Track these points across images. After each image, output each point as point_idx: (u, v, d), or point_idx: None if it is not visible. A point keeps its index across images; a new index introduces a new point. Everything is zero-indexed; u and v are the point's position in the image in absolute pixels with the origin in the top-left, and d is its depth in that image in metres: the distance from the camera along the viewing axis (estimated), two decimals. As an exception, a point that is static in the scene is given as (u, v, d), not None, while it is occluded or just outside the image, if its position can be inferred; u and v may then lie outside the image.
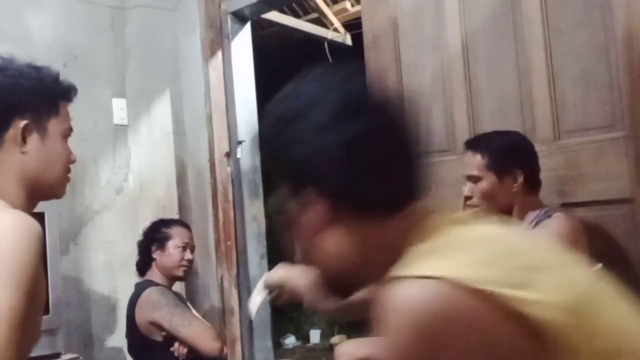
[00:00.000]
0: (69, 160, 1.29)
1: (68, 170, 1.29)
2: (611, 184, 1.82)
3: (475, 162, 1.72)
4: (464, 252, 0.71)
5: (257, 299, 1.50)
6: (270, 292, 1.46)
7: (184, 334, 2.25)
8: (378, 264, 0.76)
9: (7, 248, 1.01)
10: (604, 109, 1.84)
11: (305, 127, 0.76)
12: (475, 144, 1.77)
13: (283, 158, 0.79)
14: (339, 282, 0.82)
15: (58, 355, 2.36)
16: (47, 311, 2.26)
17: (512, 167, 1.70)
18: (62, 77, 1.27)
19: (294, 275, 1.41)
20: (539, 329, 0.65)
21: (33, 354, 2.07)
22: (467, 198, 1.75)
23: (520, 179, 1.70)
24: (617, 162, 1.80)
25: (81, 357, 2.38)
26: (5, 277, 0.98)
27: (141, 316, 2.31)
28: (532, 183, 1.73)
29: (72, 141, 2.88)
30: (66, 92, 1.27)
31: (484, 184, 1.72)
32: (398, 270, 0.70)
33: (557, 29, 1.94)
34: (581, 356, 0.66)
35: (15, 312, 0.97)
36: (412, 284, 0.67)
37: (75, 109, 2.90)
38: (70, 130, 1.29)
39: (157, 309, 2.29)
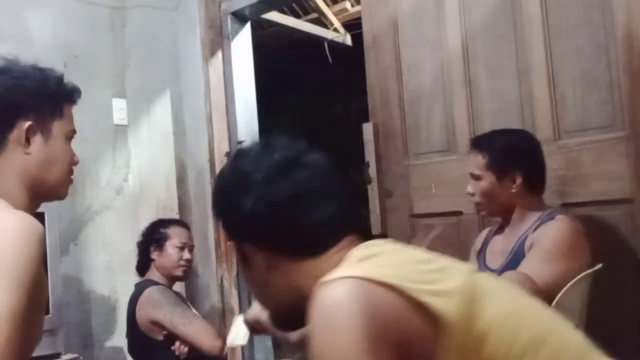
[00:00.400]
0: (72, 161, 1.29)
1: (71, 171, 1.29)
2: (611, 184, 1.82)
3: (477, 161, 1.74)
4: (373, 260, 0.86)
5: (239, 334, 1.62)
6: (249, 328, 1.59)
7: (184, 333, 2.25)
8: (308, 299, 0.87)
9: (9, 248, 1.01)
10: (604, 109, 1.84)
11: (238, 196, 0.92)
12: (478, 142, 1.78)
13: (225, 220, 0.97)
14: (285, 317, 0.96)
15: (58, 355, 2.36)
16: (47, 311, 2.26)
17: (510, 168, 1.70)
18: (66, 79, 1.27)
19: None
20: (437, 316, 0.78)
21: (33, 354, 2.07)
22: (470, 194, 1.77)
23: (519, 180, 1.69)
24: (617, 162, 1.80)
25: (81, 357, 2.38)
26: (6, 278, 0.98)
27: (142, 315, 2.31)
28: (533, 184, 1.72)
29: (72, 141, 2.88)
30: (70, 94, 1.28)
31: (483, 184, 1.73)
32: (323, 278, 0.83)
33: (557, 29, 1.94)
34: (469, 338, 0.79)
35: (15, 313, 0.97)
36: (327, 285, 0.80)
37: (75, 109, 2.90)
38: (74, 132, 1.29)
39: (158, 308, 2.29)
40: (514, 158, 1.71)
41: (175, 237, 2.45)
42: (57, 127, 1.25)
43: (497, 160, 1.70)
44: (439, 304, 0.79)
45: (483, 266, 1.77)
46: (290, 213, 0.90)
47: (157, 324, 2.29)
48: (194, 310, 2.50)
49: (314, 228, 0.91)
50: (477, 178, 1.74)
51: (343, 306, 0.77)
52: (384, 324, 0.77)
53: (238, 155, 0.99)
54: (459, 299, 0.80)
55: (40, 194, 1.24)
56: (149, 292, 2.33)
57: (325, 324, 0.78)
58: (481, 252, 1.83)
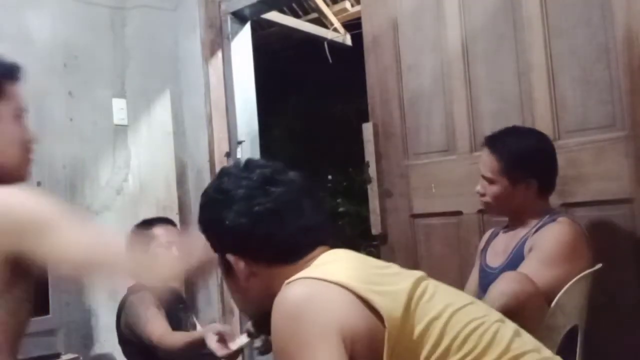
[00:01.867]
0: (27, 139, 1.24)
1: (28, 150, 1.25)
2: (611, 184, 1.82)
3: (490, 163, 1.69)
4: (332, 265, 0.97)
5: (241, 341, 1.73)
6: (250, 339, 1.68)
7: (145, 329, 2.21)
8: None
9: None
10: (604, 109, 1.84)
11: (220, 210, 1.03)
12: (493, 143, 1.72)
13: (209, 234, 1.07)
14: (265, 320, 1.00)
15: (58, 355, 2.36)
16: (47, 311, 2.26)
17: (526, 175, 1.66)
18: (2, 57, 1.23)
19: None
20: (379, 312, 0.89)
21: (33, 354, 2.09)
22: (480, 194, 1.74)
23: (534, 187, 1.67)
24: (617, 162, 1.80)
25: (81, 357, 2.38)
26: None
27: (125, 320, 2.31)
28: (546, 189, 1.70)
29: (72, 141, 2.87)
30: (10, 72, 1.22)
31: (495, 188, 1.69)
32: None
33: (557, 29, 1.94)
34: (409, 337, 0.90)
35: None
36: (285, 288, 0.93)
37: (75, 109, 2.90)
38: (22, 109, 1.24)
39: (134, 318, 2.27)
40: (531, 165, 1.67)
41: (160, 236, 2.38)
42: (4, 108, 1.20)
43: (513, 166, 1.66)
44: (381, 302, 0.90)
45: (484, 265, 1.77)
46: (267, 224, 1.00)
47: (128, 327, 2.28)
48: (195, 321, 2.45)
49: (289, 238, 1.02)
50: (490, 181, 1.70)
51: (299, 302, 0.90)
52: (335, 316, 0.88)
53: (221, 175, 1.10)
54: (401, 298, 0.91)
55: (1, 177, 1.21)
56: (130, 303, 2.31)
57: (284, 318, 0.90)
58: (483, 251, 1.82)
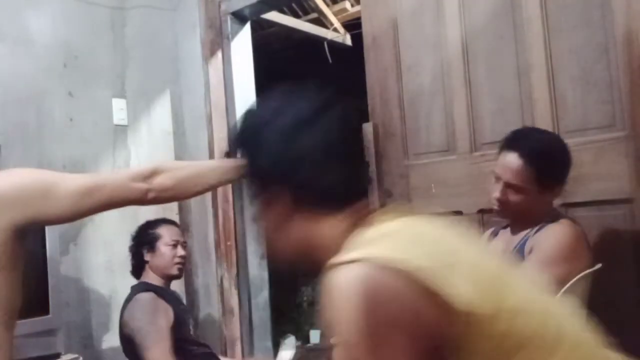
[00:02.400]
0: None
1: None
2: (611, 184, 1.82)
3: (518, 169, 1.58)
4: (392, 239, 0.83)
5: (287, 354, 1.62)
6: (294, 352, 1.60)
7: (143, 354, 2.23)
8: (330, 250, 0.87)
9: None
10: (604, 109, 1.84)
11: (270, 133, 0.91)
12: (520, 146, 1.61)
13: (251, 160, 0.96)
14: (293, 265, 0.97)
15: (58, 355, 2.36)
16: (47, 311, 2.26)
17: (556, 184, 1.62)
18: None
19: None
20: (451, 304, 0.75)
21: (33, 354, 2.09)
22: (500, 201, 1.63)
23: (558, 193, 1.63)
24: (617, 162, 1.80)
25: (81, 358, 2.38)
26: None
27: (125, 319, 2.31)
28: (560, 193, 1.66)
29: (72, 141, 2.88)
30: None
31: (522, 197, 1.60)
32: (334, 258, 0.82)
33: (557, 29, 1.94)
34: (485, 323, 0.77)
35: None
36: (343, 269, 0.79)
37: (75, 109, 2.90)
38: None
39: (133, 318, 2.28)
40: (561, 170, 1.62)
41: (166, 235, 2.44)
42: None
43: (546, 174, 1.58)
44: (462, 295, 0.75)
45: None
46: (314, 163, 0.90)
47: (128, 327, 2.28)
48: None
49: (334, 182, 0.91)
50: (517, 189, 1.60)
51: (356, 296, 0.76)
52: (406, 313, 0.75)
53: (272, 94, 0.99)
54: (483, 287, 0.78)
55: None
56: (135, 300, 2.32)
57: (339, 310, 0.78)
58: None
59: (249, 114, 1.01)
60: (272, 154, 0.91)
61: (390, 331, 0.75)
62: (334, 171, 0.91)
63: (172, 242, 2.44)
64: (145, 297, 2.32)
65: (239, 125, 1.00)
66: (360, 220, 0.90)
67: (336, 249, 0.86)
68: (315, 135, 0.90)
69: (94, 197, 1.26)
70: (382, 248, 0.79)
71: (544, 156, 1.60)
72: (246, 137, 0.98)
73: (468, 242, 0.90)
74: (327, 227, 0.91)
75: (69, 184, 1.23)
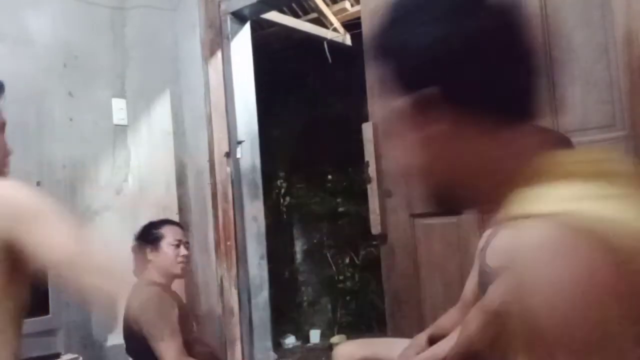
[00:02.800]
0: (5, 153, 1.29)
1: (4, 164, 1.29)
2: (611, 184, 1.81)
3: None
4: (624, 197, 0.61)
5: None
6: None
7: (155, 347, 2.23)
8: (495, 176, 0.70)
9: None
10: (604, 109, 1.85)
11: (422, 20, 0.70)
12: None
13: (396, 56, 0.73)
14: (451, 193, 0.75)
15: (58, 355, 2.36)
16: (47, 311, 2.26)
17: None
18: None
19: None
20: None
21: (33, 354, 2.09)
22: None
23: None
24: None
25: (81, 358, 2.38)
26: None
27: (134, 314, 2.31)
28: None
29: (72, 141, 2.87)
30: None
31: None
32: (530, 202, 0.62)
33: (557, 29, 1.94)
34: None
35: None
36: (558, 228, 0.58)
37: (75, 109, 2.90)
38: (4, 124, 1.29)
39: (145, 311, 2.28)
40: None
41: (169, 235, 2.46)
42: None
43: None
44: None
45: (483, 265, 1.77)
46: (494, 55, 0.68)
47: (138, 324, 2.29)
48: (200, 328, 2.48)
49: (520, 84, 0.70)
50: None
51: (593, 277, 0.56)
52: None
53: None
54: None
55: None
56: (144, 293, 2.32)
57: (558, 287, 0.56)
58: (483, 250, 1.82)
59: (390, 6, 0.77)
60: (425, 46, 0.69)
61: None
62: (510, 73, 0.69)
63: (176, 242, 2.45)
64: (153, 290, 2.34)
65: (385, 20, 0.77)
66: (546, 144, 0.69)
67: (510, 172, 0.68)
68: (485, 22, 0.69)
69: (60, 270, 1.18)
70: (610, 208, 0.59)
71: None
72: (390, 29, 0.75)
73: None
74: (498, 143, 0.69)
75: (55, 234, 1.15)
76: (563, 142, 1.13)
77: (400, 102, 0.73)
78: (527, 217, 0.60)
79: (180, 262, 2.45)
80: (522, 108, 0.70)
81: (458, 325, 1.68)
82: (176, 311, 2.32)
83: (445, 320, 1.78)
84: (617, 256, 0.56)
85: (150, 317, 2.27)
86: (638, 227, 0.57)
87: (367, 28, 2.45)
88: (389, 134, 0.77)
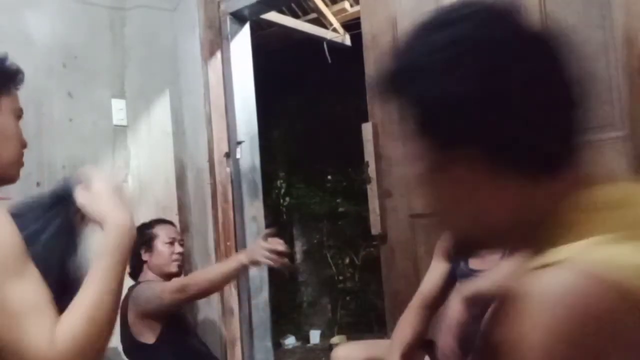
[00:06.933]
0: (22, 142, 1.27)
1: (21, 153, 1.27)
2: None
3: None
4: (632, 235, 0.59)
5: None
6: None
7: (158, 290, 2.28)
8: (525, 228, 0.67)
9: None
10: (603, 109, 1.84)
11: (452, 78, 0.64)
12: None
13: (426, 112, 0.67)
14: (474, 242, 0.74)
15: (58, 356, 2.35)
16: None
17: None
18: (9, 60, 1.26)
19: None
20: None
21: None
22: None
23: None
24: (616, 161, 1.80)
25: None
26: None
27: (131, 316, 2.32)
28: None
29: (71, 141, 2.88)
30: (15, 75, 1.26)
31: None
32: (551, 254, 0.60)
33: (556, 29, 1.93)
34: None
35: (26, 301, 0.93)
36: (563, 275, 0.56)
37: (74, 110, 2.90)
38: (21, 111, 1.28)
39: (140, 303, 2.30)
40: None
41: (162, 234, 2.46)
42: (5, 103, 1.23)
43: None
44: None
45: (465, 268, 1.76)
46: (531, 108, 0.64)
47: (139, 316, 2.29)
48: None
49: (560, 133, 0.67)
50: None
51: (558, 310, 0.55)
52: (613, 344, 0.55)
53: (450, 19, 0.67)
54: None
55: None
56: (135, 293, 2.33)
57: (529, 326, 0.57)
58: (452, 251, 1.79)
59: (406, 46, 0.69)
60: (453, 97, 0.63)
61: None
62: (549, 121, 0.65)
63: (169, 240, 2.46)
64: (141, 286, 2.35)
65: (401, 64, 0.69)
66: (578, 193, 0.66)
67: (538, 224, 0.65)
68: (521, 70, 0.63)
69: None
70: (624, 259, 0.57)
71: None
72: (422, 78, 0.66)
73: None
74: (529, 194, 0.66)
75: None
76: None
77: (423, 155, 0.69)
78: (547, 265, 0.59)
79: (175, 260, 2.45)
80: (560, 159, 0.68)
81: (419, 327, 1.66)
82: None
83: (404, 329, 1.75)
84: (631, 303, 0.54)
85: (142, 302, 2.29)
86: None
87: (366, 28, 2.45)
88: (413, 178, 0.73)
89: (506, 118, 0.64)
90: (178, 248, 2.47)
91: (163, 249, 2.44)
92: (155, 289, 2.29)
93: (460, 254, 0.74)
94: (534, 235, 0.66)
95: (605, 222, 0.61)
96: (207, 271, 2.46)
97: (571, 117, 0.68)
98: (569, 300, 0.55)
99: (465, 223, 0.72)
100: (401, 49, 0.69)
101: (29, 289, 0.93)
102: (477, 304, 1.51)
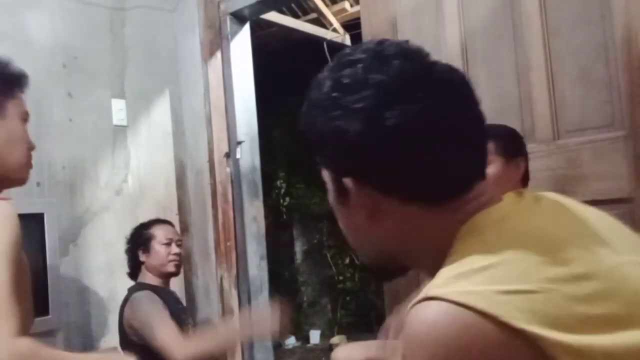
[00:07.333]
0: (30, 145, 1.28)
1: (30, 155, 1.28)
2: (611, 184, 1.82)
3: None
4: (507, 266, 0.62)
5: None
6: None
7: (154, 335, 2.19)
8: (422, 252, 0.73)
9: None
10: (603, 109, 1.84)
11: (340, 116, 0.69)
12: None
13: (323, 146, 0.73)
14: (383, 265, 0.79)
15: (58, 356, 2.35)
16: (46, 312, 2.26)
17: (517, 154, 1.68)
18: (14, 64, 1.27)
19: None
20: None
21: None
22: None
23: (522, 167, 1.68)
24: (617, 161, 1.80)
25: (81, 358, 2.38)
26: None
27: (126, 319, 2.32)
28: (527, 176, 1.71)
29: (71, 142, 2.88)
30: (20, 79, 1.28)
31: (492, 169, 1.68)
32: (428, 286, 0.64)
33: (556, 29, 1.94)
34: None
35: (4, 284, 1.01)
36: (435, 308, 0.60)
37: (74, 110, 2.90)
38: (28, 115, 1.28)
39: (136, 316, 2.28)
40: (519, 144, 1.71)
41: (159, 235, 2.46)
42: (12, 107, 1.24)
43: (507, 145, 1.66)
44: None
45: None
46: (409, 145, 0.68)
47: (132, 328, 2.28)
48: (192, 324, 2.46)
49: (437, 167, 0.69)
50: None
51: (452, 348, 0.58)
52: None
53: (342, 62, 0.73)
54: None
55: (1, 178, 1.23)
56: (133, 299, 2.32)
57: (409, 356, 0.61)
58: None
59: (313, 89, 0.75)
60: (348, 136, 0.69)
61: None
62: (438, 157, 0.69)
63: (166, 241, 2.45)
64: (142, 294, 2.33)
65: (305, 103, 0.76)
66: (467, 218, 0.69)
67: (434, 249, 0.70)
68: (410, 109, 0.67)
69: None
70: (488, 288, 0.59)
71: (502, 133, 1.67)
72: (320, 117, 0.72)
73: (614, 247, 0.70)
74: (424, 222, 0.71)
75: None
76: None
77: (329, 184, 0.76)
78: (425, 298, 0.62)
79: (172, 261, 2.44)
80: (452, 189, 0.71)
81: None
82: (166, 308, 2.30)
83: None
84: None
85: (141, 321, 2.26)
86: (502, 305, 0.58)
87: (366, 28, 2.45)
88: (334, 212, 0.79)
89: (384, 154, 0.68)
90: (175, 249, 2.46)
91: (160, 250, 2.44)
92: (152, 332, 2.20)
93: (376, 277, 0.80)
94: (433, 262, 0.69)
95: (469, 249, 0.65)
96: (213, 341, 2.35)
97: (456, 151, 0.70)
98: (438, 335, 0.58)
99: (368, 249, 0.78)
100: (310, 89, 0.76)
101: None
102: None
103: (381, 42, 0.74)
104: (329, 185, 0.77)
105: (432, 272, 0.68)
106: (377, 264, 0.79)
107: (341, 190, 0.74)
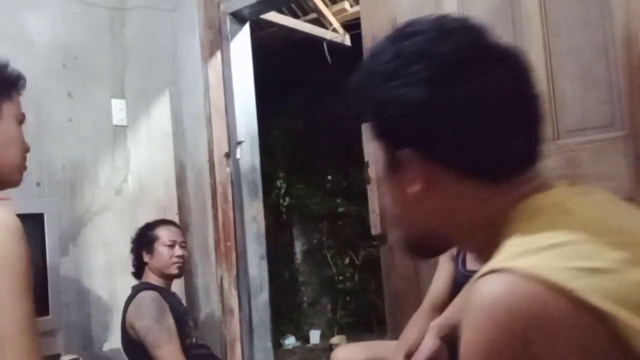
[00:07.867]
0: (25, 146, 1.28)
1: (24, 157, 1.28)
2: (611, 184, 1.81)
3: None
4: (573, 245, 0.60)
5: None
6: None
7: (153, 354, 2.23)
8: (470, 230, 0.71)
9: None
10: (603, 109, 1.84)
11: (403, 84, 0.68)
12: None
13: (379, 115, 0.72)
14: (426, 244, 0.77)
15: (58, 356, 2.36)
16: (46, 312, 2.26)
17: None
18: (11, 65, 1.27)
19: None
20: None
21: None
22: None
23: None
24: (617, 161, 1.80)
25: (81, 358, 2.38)
26: (11, 286, 0.97)
27: (129, 319, 2.32)
28: None
29: (71, 142, 2.89)
30: (17, 80, 1.27)
31: None
32: (495, 261, 0.62)
33: (556, 29, 1.94)
34: None
35: (31, 320, 0.97)
36: (505, 278, 0.58)
37: (74, 110, 2.91)
38: (24, 116, 1.28)
39: (139, 318, 2.29)
40: None
41: (163, 236, 2.46)
42: (7, 108, 1.23)
43: None
44: None
45: (462, 269, 1.76)
46: (479, 118, 0.67)
47: (134, 328, 2.29)
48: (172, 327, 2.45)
49: (505, 144, 0.68)
50: None
51: (524, 324, 0.56)
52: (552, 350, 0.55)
53: (404, 33, 0.72)
54: None
55: None
56: (139, 298, 2.33)
57: (471, 332, 0.59)
58: (459, 255, 1.80)
59: (370, 61, 0.74)
60: (409, 107, 0.67)
61: None
62: (498, 132, 0.68)
63: (170, 243, 2.45)
64: (150, 295, 2.34)
65: (358, 73, 0.76)
66: (523, 200, 0.68)
67: (485, 230, 0.69)
68: (472, 84, 0.67)
69: None
70: (556, 261, 0.58)
71: None
72: (381, 84, 0.71)
73: None
74: (477, 200, 0.70)
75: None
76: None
77: (382, 156, 0.75)
78: (489, 272, 0.60)
79: (175, 263, 2.45)
80: (509, 167, 0.70)
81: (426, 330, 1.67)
82: (171, 315, 2.31)
83: (411, 330, 1.76)
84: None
85: (145, 324, 2.26)
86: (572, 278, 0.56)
87: (366, 28, 2.45)
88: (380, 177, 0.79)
89: (449, 125, 0.67)
90: (178, 251, 2.47)
91: (163, 251, 2.44)
92: (161, 351, 2.22)
93: (414, 255, 0.80)
94: (483, 240, 0.69)
95: (532, 227, 0.64)
96: None
97: (517, 129, 0.70)
98: (506, 305, 0.56)
99: (412, 224, 0.76)
100: (365, 59, 0.75)
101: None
102: (450, 334, 1.53)
103: (443, 16, 0.74)
104: (380, 157, 0.75)
105: (479, 250, 0.68)
106: (418, 241, 0.78)
107: (395, 161, 0.72)
